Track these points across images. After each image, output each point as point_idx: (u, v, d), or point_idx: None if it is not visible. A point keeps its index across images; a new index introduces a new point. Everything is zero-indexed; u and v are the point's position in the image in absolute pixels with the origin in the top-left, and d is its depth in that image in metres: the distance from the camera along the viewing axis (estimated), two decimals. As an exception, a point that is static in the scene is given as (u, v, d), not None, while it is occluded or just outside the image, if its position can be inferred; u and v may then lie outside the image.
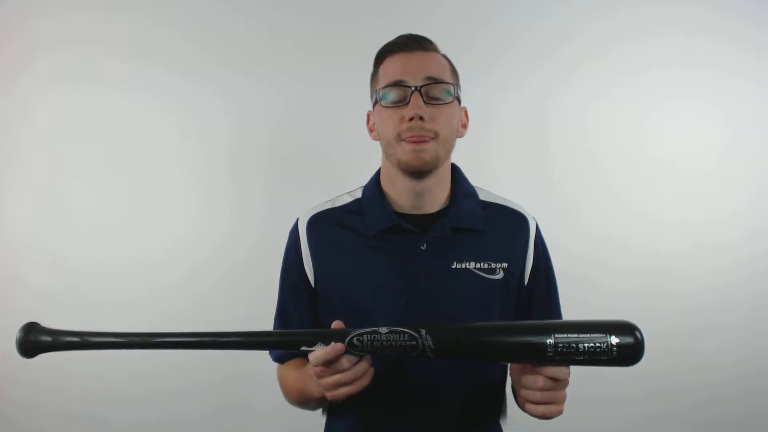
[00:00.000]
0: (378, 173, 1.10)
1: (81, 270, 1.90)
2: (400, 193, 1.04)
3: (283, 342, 0.89)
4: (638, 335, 0.78)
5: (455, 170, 1.10)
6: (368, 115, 1.09)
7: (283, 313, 1.10)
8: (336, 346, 0.81)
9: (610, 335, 0.77)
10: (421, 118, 0.95)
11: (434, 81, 0.97)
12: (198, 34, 1.93)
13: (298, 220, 1.09)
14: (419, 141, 0.95)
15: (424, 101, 0.96)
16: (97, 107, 1.92)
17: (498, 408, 1.08)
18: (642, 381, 2.01)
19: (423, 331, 0.81)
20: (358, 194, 1.10)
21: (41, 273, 1.90)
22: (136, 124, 1.93)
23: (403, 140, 0.96)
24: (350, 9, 1.96)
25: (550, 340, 0.78)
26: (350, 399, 0.96)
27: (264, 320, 1.12)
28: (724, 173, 2.06)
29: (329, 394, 0.84)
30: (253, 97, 1.94)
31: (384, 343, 0.81)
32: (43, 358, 1.94)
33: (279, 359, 1.09)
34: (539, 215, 1.14)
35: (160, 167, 1.94)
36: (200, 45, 1.93)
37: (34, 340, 0.83)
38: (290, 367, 1.05)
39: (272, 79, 1.95)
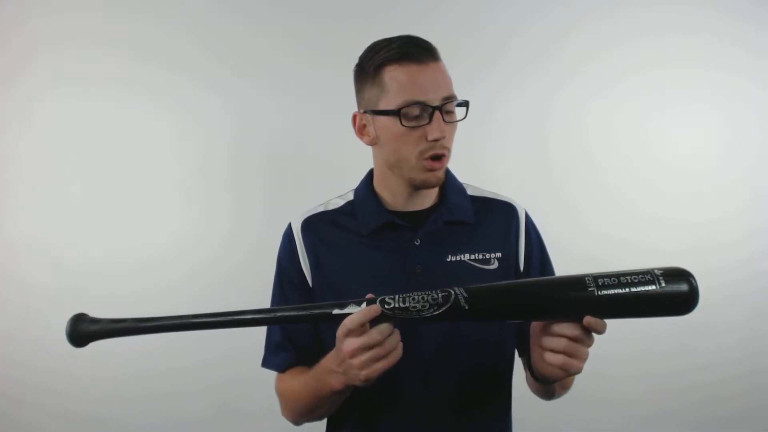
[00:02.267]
0: (370, 176, 1.10)
1: (81, 270, 1.90)
2: (395, 195, 1.05)
3: (317, 315, 0.85)
4: (692, 281, 0.73)
5: None
6: (354, 117, 1.05)
7: None
8: (373, 308, 0.80)
9: (659, 278, 0.73)
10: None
11: (450, 100, 0.97)
12: (198, 34, 1.93)
13: (290, 223, 1.09)
14: (439, 164, 0.97)
15: (444, 120, 0.96)
16: (97, 107, 1.92)
17: (503, 403, 1.09)
18: (642, 380, 2.01)
19: (455, 288, 0.81)
20: (350, 197, 1.10)
21: (41, 273, 1.90)
22: (136, 124, 1.93)
23: (424, 159, 0.96)
24: (350, 9, 1.96)
25: (588, 278, 0.75)
26: (349, 400, 0.95)
27: (264, 320, 1.11)
28: (724, 173, 2.07)
29: (364, 373, 0.82)
30: (253, 98, 1.94)
31: (416, 298, 0.81)
32: (42, 359, 1.93)
33: (279, 368, 1.06)
34: (539, 215, 1.14)
35: (159, 167, 1.94)
36: (200, 45, 1.93)
37: (84, 330, 0.84)
38: (293, 374, 1.03)
39: (272, 80, 1.95)
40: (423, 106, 0.95)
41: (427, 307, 0.80)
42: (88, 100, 1.92)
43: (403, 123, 0.95)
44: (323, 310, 0.84)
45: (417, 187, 1.01)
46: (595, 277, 0.76)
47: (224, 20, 1.94)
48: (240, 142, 1.95)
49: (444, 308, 0.80)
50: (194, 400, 1.91)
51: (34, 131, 1.92)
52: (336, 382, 0.88)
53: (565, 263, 1.22)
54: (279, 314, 0.87)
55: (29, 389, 1.90)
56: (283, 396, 1.06)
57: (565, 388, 1.05)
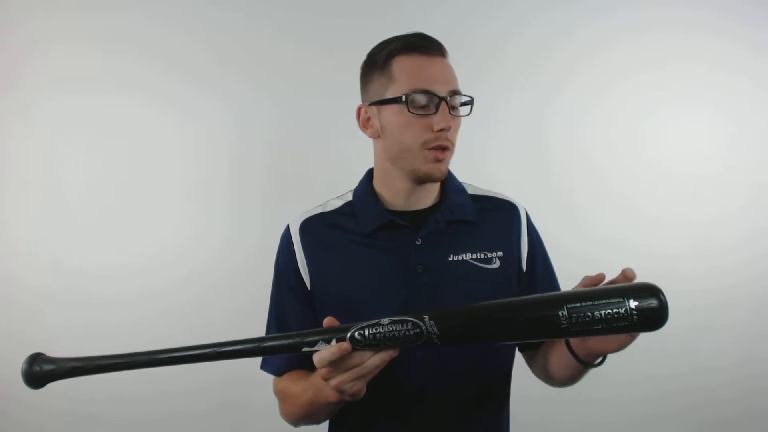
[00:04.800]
0: (369, 175, 1.09)
1: (81, 271, 1.90)
2: (396, 193, 1.04)
3: (285, 346, 0.83)
4: (662, 298, 0.75)
5: None
6: (359, 110, 1.05)
7: (279, 320, 1.07)
8: (342, 346, 0.78)
9: (629, 299, 0.74)
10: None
11: (457, 93, 0.98)
12: (198, 34, 1.93)
13: (289, 225, 1.08)
14: (443, 155, 0.96)
15: (450, 113, 0.96)
16: (97, 108, 1.92)
17: (502, 405, 1.08)
18: (641, 382, 2.01)
19: (426, 318, 0.80)
20: (349, 197, 1.09)
21: (41, 274, 1.89)
22: (136, 124, 1.93)
23: (428, 149, 0.96)
24: (350, 9, 1.96)
25: (562, 312, 0.75)
26: (349, 405, 0.95)
27: (263, 322, 1.11)
28: (724, 173, 2.06)
29: (347, 392, 0.81)
30: (253, 98, 1.94)
31: (387, 334, 0.79)
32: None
33: (276, 371, 1.06)
34: (539, 215, 1.14)
35: (159, 168, 1.94)
36: (200, 45, 1.93)
37: (39, 371, 0.86)
38: (291, 378, 1.03)
39: (272, 80, 1.95)
40: (430, 95, 0.95)
41: (399, 344, 0.80)
42: (87, 101, 1.91)
43: (410, 110, 0.95)
44: (291, 342, 0.82)
45: (420, 181, 1.00)
46: (565, 303, 0.75)
47: (224, 20, 1.94)
48: (240, 142, 1.95)
49: (416, 344, 0.80)
50: (195, 398, 1.91)
51: (34, 131, 1.91)
52: (331, 394, 0.86)
53: (565, 264, 1.22)
54: (252, 346, 0.83)
55: (29, 390, 1.89)
56: (281, 399, 1.05)
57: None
